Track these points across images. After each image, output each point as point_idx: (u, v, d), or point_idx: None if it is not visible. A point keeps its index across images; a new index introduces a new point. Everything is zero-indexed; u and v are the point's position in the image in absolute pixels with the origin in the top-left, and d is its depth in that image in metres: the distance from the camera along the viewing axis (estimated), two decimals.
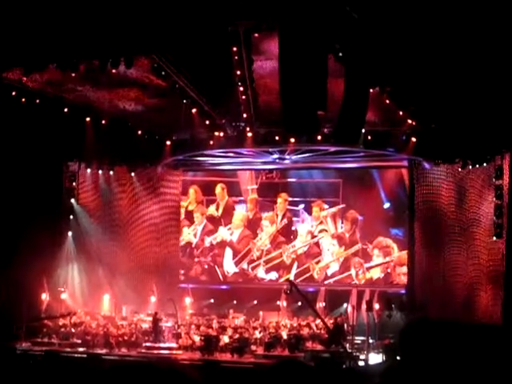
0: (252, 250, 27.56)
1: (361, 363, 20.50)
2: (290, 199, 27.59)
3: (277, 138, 24.09)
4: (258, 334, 22.33)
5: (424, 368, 3.99)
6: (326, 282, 26.61)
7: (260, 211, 27.95)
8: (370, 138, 23.40)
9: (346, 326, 22.66)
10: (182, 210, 28.45)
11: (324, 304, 24.78)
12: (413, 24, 15.84)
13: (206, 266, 28.06)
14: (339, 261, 26.81)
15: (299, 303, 24.27)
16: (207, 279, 28.08)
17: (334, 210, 26.93)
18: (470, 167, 23.45)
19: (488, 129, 20.52)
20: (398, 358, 4.33)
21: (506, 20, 15.55)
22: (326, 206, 27.02)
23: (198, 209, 28.33)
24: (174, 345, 22.31)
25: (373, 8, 15.36)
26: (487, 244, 22.65)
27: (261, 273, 27.52)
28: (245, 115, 22.81)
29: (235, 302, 26.41)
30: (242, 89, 20.61)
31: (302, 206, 27.54)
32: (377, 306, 22.85)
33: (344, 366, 18.79)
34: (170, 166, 27.57)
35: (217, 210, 28.26)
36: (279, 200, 27.56)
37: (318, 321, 21.85)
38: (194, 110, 22.50)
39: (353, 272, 26.38)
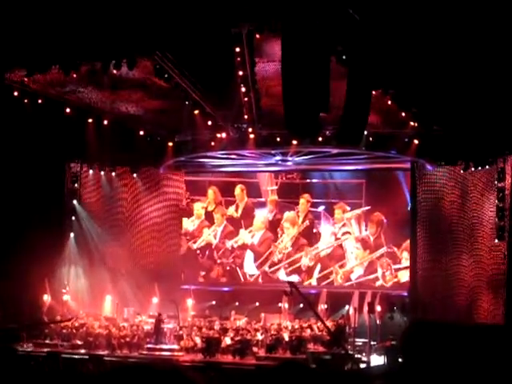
0: (274, 253, 27.17)
1: (362, 365, 20.49)
2: (312, 200, 27.12)
3: (278, 139, 24.12)
4: (259, 336, 22.30)
5: (426, 370, 3.99)
6: (346, 284, 26.29)
7: (280, 212, 27.53)
8: (372, 139, 23.42)
9: (347, 327, 22.65)
10: (203, 211, 28.20)
11: (326, 306, 24.72)
12: (415, 26, 15.84)
13: (228, 268, 27.82)
14: (363, 265, 26.32)
15: (301, 305, 24.25)
16: (228, 281, 27.83)
17: (358, 211, 26.41)
18: (473, 169, 23.45)
19: (490, 131, 20.53)
20: (400, 360, 4.33)
21: (508, 22, 15.55)
22: (348, 208, 26.55)
23: (218, 210, 28.06)
24: (175, 346, 22.31)
25: (375, 10, 15.36)
26: (489, 246, 22.64)
27: (282, 275, 27.06)
28: (247, 117, 22.82)
29: (237, 303, 26.40)
30: (244, 90, 20.62)
31: (322, 207, 27.11)
32: (378, 308, 22.83)
33: (346, 368, 18.79)
34: (172, 167, 27.57)
35: (236, 211, 27.99)
36: (302, 201, 27.10)
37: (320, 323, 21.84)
38: (196, 112, 22.51)
39: (379, 273, 25.94)
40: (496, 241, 22.30)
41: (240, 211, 27.95)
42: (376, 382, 4.44)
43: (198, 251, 28.20)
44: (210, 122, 23.32)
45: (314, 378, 3.42)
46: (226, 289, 27.65)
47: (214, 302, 26.94)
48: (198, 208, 28.34)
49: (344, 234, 26.59)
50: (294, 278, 26.60)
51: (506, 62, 17.17)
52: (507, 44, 16.34)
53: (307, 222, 27.01)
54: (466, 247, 23.54)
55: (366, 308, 22.97)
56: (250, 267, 27.64)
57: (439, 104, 19.86)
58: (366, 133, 21.17)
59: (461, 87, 18.32)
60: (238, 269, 27.65)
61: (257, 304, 26.10)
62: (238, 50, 18.37)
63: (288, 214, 27.28)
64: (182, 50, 18.10)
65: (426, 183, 24.63)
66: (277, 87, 17.72)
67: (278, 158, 25.93)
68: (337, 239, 26.68)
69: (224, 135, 24.45)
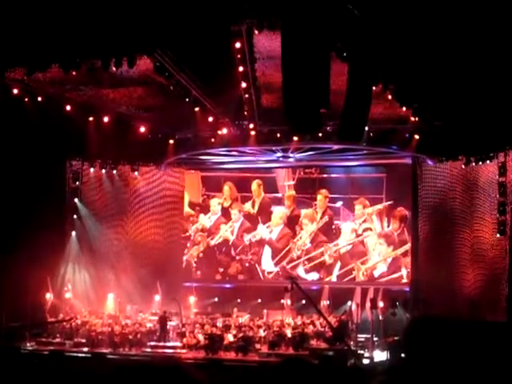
0: (292, 250, 26.70)
1: (365, 361, 20.49)
2: (330, 196, 26.58)
3: (278, 135, 24.08)
4: (262, 333, 22.32)
5: (428, 365, 3.99)
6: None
7: (297, 208, 27.07)
8: (373, 135, 23.39)
9: (350, 323, 22.66)
10: (219, 207, 27.93)
11: (328, 302, 24.73)
12: (415, 21, 15.82)
13: (247, 264, 27.46)
14: (387, 261, 25.75)
15: (303, 301, 24.24)
16: (246, 277, 27.46)
17: (379, 207, 25.87)
18: (474, 164, 23.44)
19: (491, 126, 20.51)
20: (403, 355, 4.33)
21: (508, 17, 15.53)
22: (367, 203, 25.98)
23: (235, 206, 27.77)
24: (178, 344, 22.33)
25: (375, 5, 15.35)
26: (491, 241, 22.64)
27: (300, 273, 26.59)
28: (247, 113, 22.81)
29: (239, 300, 26.37)
30: (244, 86, 20.61)
31: (340, 203, 26.57)
32: (381, 304, 22.83)
33: (348, 364, 18.78)
34: (173, 164, 27.56)
35: (253, 207, 27.64)
36: (319, 197, 26.60)
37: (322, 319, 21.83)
38: (196, 109, 22.49)
39: (404, 272, 25.34)
40: (497, 235, 22.30)
41: (257, 207, 27.59)
42: (379, 378, 4.43)
43: (215, 248, 27.92)
44: (210, 119, 23.30)
45: (317, 374, 3.42)
46: (228, 286, 27.63)
47: (216, 299, 26.93)
48: (215, 204, 28.11)
49: (365, 230, 26.04)
50: (314, 276, 26.42)
51: (504, 57, 17.14)
52: (507, 39, 16.31)
53: (326, 218, 26.50)
54: (468, 242, 23.53)
55: (368, 304, 22.97)
56: (267, 264, 27.26)
57: (440, 99, 19.84)
58: (366, 128, 21.17)
59: (462, 82, 18.29)
60: (256, 265, 27.29)
61: (259, 301, 26.07)
62: (237, 46, 18.37)
63: (306, 211, 26.81)
64: (182, 47, 18.09)
65: (428, 178, 24.60)
66: (277, 83, 17.71)
67: (278, 154, 25.88)
68: (358, 235, 26.13)
69: (225, 132, 24.43)
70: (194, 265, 28.11)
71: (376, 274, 25.93)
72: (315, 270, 26.55)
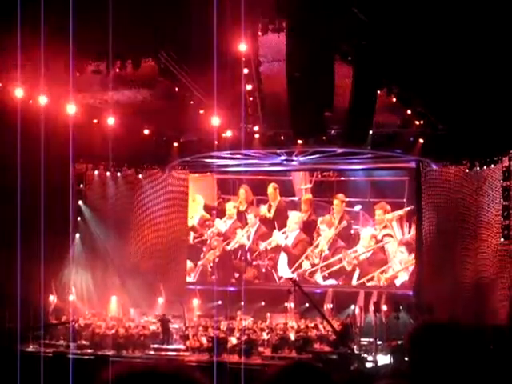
0: (309, 257, 26.17)
1: (368, 365, 20.47)
2: (348, 200, 25.93)
3: (282, 138, 24.05)
4: (265, 336, 22.30)
5: (432, 370, 3.98)
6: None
7: (314, 212, 26.54)
8: (377, 139, 23.36)
9: (353, 327, 22.64)
10: (235, 211, 27.52)
11: (331, 305, 24.69)
12: (420, 24, 15.82)
13: (264, 270, 27.01)
14: (408, 270, 25.20)
15: (307, 305, 24.21)
16: (262, 283, 26.95)
17: (400, 212, 25.22)
18: (478, 168, 23.42)
19: (496, 130, 20.51)
20: (406, 359, 4.32)
21: None
22: (388, 208, 25.32)
23: (251, 210, 27.33)
24: (181, 346, 22.32)
25: (380, 8, 15.34)
26: (495, 245, 22.62)
27: (318, 279, 26.17)
28: (252, 116, 22.78)
29: (243, 303, 26.33)
30: (249, 89, 20.60)
31: (358, 207, 25.94)
32: (384, 308, 22.81)
33: (352, 368, 18.77)
34: (178, 167, 27.58)
35: (269, 211, 27.12)
36: (336, 201, 25.94)
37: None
38: (201, 112, 22.48)
39: None
40: (501, 240, 22.29)
41: (273, 211, 27.05)
42: (382, 382, 4.42)
43: (231, 253, 27.55)
44: (215, 122, 23.27)
45: (323, 378, 3.41)
46: (231, 289, 27.58)
47: (220, 302, 26.89)
48: (230, 208, 27.66)
49: (385, 236, 25.34)
50: (332, 282, 26.03)
51: (509, 61, 17.13)
52: (511, 42, 16.32)
53: (344, 223, 25.87)
54: (472, 246, 23.50)
55: (371, 307, 22.95)
56: (284, 270, 26.77)
57: (444, 103, 19.84)
58: (371, 132, 21.18)
59: (466, 86, 18.29)
60: (273, 271, 26.84)
61: (263, 303, 26.03)
62: (242, 49, 18.36)
63: (323, 218, 26.22)
64: (186, 49, 18.09)
65: (432, 182, 24.58)
66: (282, 86, 17.71)
67: (283, 157, 25.85)
68: (377, 242, 25.44)
69: (229, 135, 24.42)
70: (210, 270, 27.85)
71: (397, 282, 25.46)
72: (333, 277, 26.10)
